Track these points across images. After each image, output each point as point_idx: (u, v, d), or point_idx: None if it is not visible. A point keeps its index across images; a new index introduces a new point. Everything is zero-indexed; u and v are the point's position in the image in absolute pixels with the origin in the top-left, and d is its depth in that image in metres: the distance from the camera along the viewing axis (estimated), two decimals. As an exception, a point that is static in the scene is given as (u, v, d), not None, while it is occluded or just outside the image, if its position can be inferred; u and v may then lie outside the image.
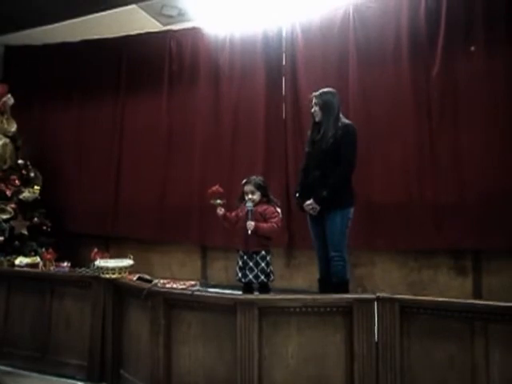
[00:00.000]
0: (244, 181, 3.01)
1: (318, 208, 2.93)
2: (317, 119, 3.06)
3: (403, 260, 3.75)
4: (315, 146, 3.05)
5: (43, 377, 3.03)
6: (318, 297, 2.37)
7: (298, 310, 2.21)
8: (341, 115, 3.04)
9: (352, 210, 2.99)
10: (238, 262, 2.98)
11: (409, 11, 3.68)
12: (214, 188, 2.97)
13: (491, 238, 3.34)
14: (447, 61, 3.53)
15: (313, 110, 3.07)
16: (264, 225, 2.87)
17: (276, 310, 2.25)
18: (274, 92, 4.13)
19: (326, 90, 3.09)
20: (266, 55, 4.16)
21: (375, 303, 2.15)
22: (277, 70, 4.13)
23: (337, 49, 3.89)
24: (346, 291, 2.84)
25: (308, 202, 2.97)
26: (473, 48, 3.47)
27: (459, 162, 3.50)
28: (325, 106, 3.01)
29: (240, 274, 2.94)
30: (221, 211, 2.97)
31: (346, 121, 3.04)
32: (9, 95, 4.46)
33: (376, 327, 2.13)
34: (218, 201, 2.94)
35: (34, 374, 3.05)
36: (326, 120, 2.99)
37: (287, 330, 2.22)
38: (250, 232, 2.82)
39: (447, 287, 3.57)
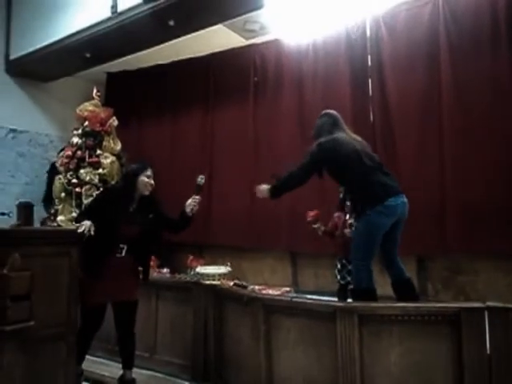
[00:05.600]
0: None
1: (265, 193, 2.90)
2: None
3: (510, 267, 3.45)
4: None
5: (153, 374, 3.29)
6: (421, 305, 2.30)
7: (399, 318, 2.18)
8: (332, 134, 2.87)
9: (375, 211, 2.62)
10: (336, 265, 3.15)
11: (506, -4, 3.41)
12: (312, 213, 3.20)
13: None
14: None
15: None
16: None
17: (376, 317, 2.23)
18: (360, 95, 4.05)
19: (324, 111, 3.04)
20: (350, 58, 4.10)
21: (485, 313, 2.03)
22: (362, 72, 4.04)
23: (426, 45, 3.70)
24: (364, 299, 2.57)
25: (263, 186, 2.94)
26: None
27: None
28: (316, 130, 2.98)
29: (339, 277, 3.11)
30: (321, 232, 3.21)
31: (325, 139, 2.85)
32: (114, 117, 4.91)
33: (487, 338, 2.01)
34: (318, 225, 3.21)
35: (144, 371, 3.30)
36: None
37: (389, 337, 2.19)
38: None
39: None
